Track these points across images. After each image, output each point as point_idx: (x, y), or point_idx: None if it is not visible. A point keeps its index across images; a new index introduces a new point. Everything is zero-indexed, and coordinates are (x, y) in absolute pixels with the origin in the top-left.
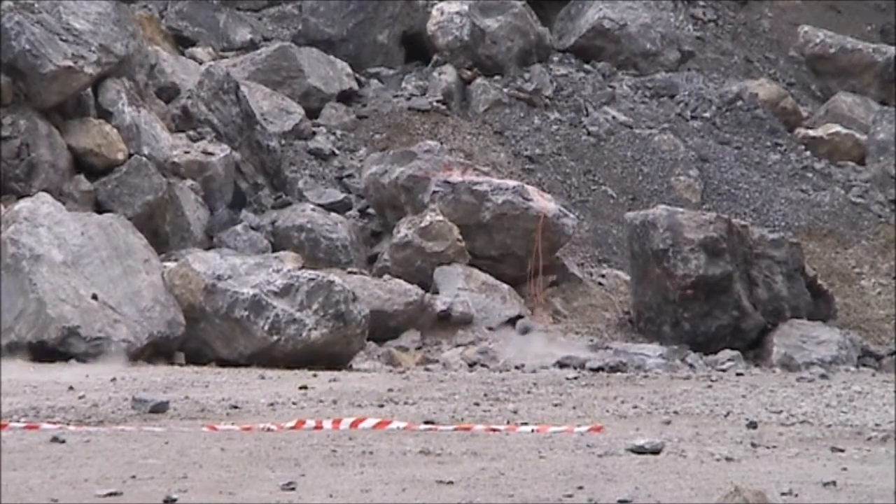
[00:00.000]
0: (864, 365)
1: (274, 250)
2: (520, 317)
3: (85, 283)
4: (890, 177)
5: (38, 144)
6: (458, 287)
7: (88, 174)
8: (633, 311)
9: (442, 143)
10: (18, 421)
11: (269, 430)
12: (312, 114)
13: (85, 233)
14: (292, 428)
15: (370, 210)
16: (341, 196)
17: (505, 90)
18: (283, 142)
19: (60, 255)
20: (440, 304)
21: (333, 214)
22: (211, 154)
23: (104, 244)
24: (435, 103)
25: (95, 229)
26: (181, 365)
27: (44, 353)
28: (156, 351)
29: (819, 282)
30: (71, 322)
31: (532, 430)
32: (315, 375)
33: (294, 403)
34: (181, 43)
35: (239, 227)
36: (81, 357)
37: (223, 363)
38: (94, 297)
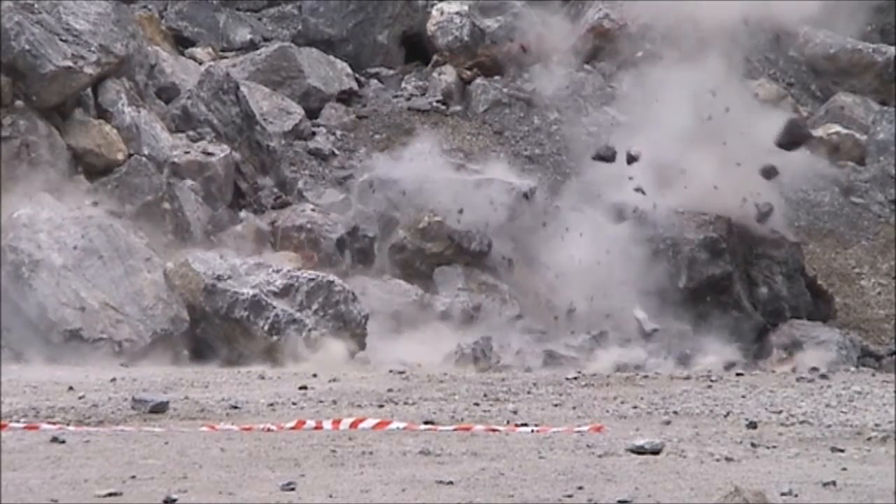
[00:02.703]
0: (864, 365)
1: (274, 250)
2: (519, 316)
3: (86, 285)
4: (890, 177)
5: (38, 144)
6: (458, 287)
7: (88, 174)
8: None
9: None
10: (18, 421)
11: (269, 430)
12: (312, 114)
13: (85, 235)
14: (292, 428)
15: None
16: (341, 196)
17: (505, 90)
18: (283, 142)
19: (60, 258)
20: (440, 304)
21: (333, 214)
22: (211, 154)
23: (105, 245)
24: (435, 103)
25: (96, 231)
26: (187, 359)
27: (47, 356)
28: (160, 348)
29: (819, 282)
30: (73, 325)
31: (532, 431)
32: (315, 375)
33: (294, 403)
34: (181, 43)
35: (239, 227)
36: (84, 358)
37: (223, 363)
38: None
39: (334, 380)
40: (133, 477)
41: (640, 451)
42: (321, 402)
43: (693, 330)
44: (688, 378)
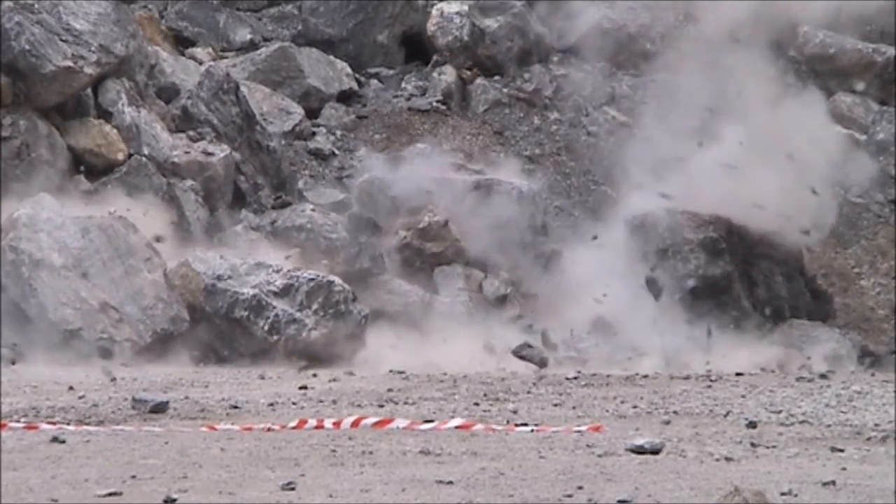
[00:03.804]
0: (864, 365)
1: (274, 251)
2: (520, 317)
3: (87, 285)
4: (890, 177)
5: (38, 144)
6: (458, 287)
7: (88, 174)
8: None
9: (441, 144)
10: (18, 421)
11: (269, 429)
12: (312, 114)
13: (86, 235)
14: (293, 428)
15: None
16: (341, 196)
17: (505, 90)
18: (283, 142)
19: (61, 258)
20: (440, 304)
21: (333, 214)
22: (211, 154)
23: (105, 246)
24: (435, 103)
25: (96, 231)
26: (188, 360)
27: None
28: (160, 348)
29: (819, 282)
30: (73, 325)
31: (532, 430)
32: (315, 375)
33: (294, 403)
34: (181, 43)
35: (239, 227)
36: (85, 358)
37: (223, 363)
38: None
39: (334, 380)
40: (133, 477)
41: (639, 450)
42: (321, 401)
43: (703, 331)
44: (688, 378)
